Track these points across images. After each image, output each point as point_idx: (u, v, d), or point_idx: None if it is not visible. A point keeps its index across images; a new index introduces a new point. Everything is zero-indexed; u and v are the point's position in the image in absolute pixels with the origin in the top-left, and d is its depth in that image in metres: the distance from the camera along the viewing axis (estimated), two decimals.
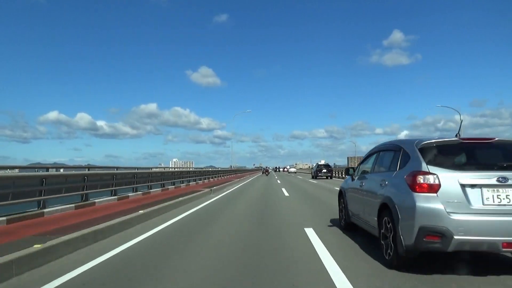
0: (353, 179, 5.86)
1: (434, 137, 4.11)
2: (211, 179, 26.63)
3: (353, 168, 6.10)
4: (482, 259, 4.15)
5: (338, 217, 6.71)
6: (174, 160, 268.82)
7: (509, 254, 4.16)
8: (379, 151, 5.13)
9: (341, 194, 6.44)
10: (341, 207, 6.46)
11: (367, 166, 5.43)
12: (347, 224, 5.99)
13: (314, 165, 45.00)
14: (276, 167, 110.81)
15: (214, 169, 34.28)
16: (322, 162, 49.35)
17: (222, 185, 18.90)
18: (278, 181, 27.56)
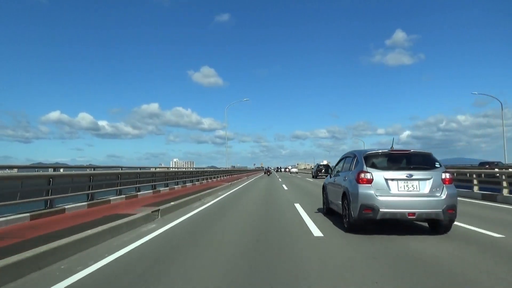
0: (330, 177, 8.14)
1: (376, 149, 6.37)
2: (188, 184, 19.45)
3: (331, 168, 8.38)
4: (413, 227, 6.41)
5: (322, 205, 8.97)
6: (175, 160, 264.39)
7: (426, 224, 6.39)
8: (346, 157, 7.40)
9: (324, 188, 8.72)
10: (323, 196, 8.74)
11: (339, 167, 7.70)
12: (327, 209, 8.26)
13: (315, 165, 47.21)
14: (278, 168, 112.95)
15: (199, 170, 26.27)
16: (324, 162, 51.08)
17: (197, 195, 12.40)
18: (285, 187, 20.26)
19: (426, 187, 5.64)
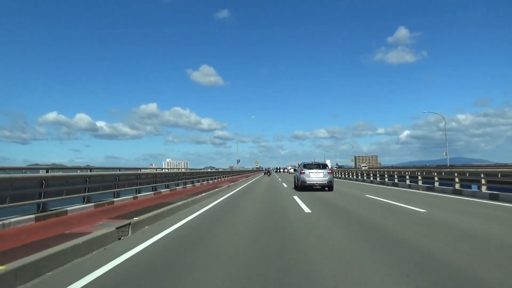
0: (295, 172, 19.71)
1: (309, 161, 17.90)
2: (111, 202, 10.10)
3: (296, 168, 19.92)
4: (321, 190, 17.98)
5: (293, 184, 20.55)
6: (167, 160, 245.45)
7: (326, 189, 17.86)
8: (300, 164, 18.92)
9: (294, 177, 20.33)
10: (294, 181, 20.34)
11: (298, 168, 19.21)
12: (294, 186, 19.87)
13: None
14: (277, 168, 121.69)
15: (170, 173, 18.64)
16: (327, 162, 59.82)
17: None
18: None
19: (322, 175, 17.17)
